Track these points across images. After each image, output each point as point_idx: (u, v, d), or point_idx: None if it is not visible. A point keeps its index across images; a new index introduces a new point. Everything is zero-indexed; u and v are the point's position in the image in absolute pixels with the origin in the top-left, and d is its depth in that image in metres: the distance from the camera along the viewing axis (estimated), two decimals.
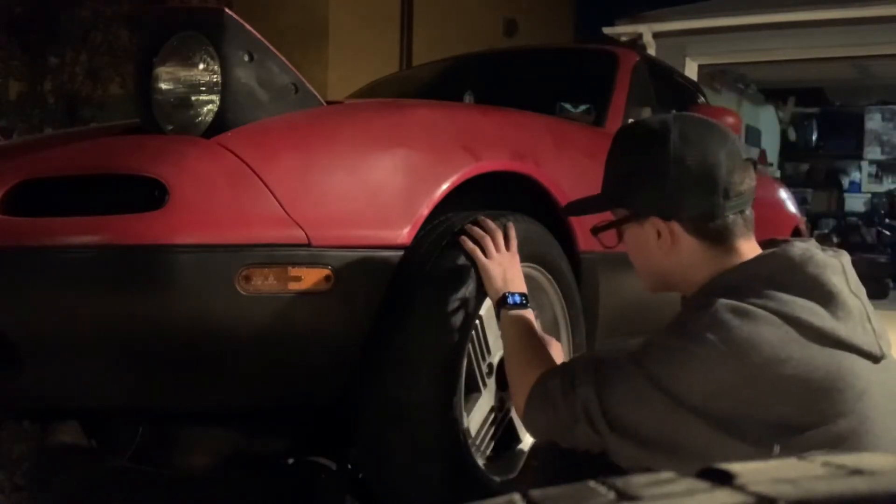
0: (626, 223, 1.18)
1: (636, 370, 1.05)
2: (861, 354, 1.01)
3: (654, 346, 1.06)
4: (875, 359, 1.02)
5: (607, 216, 1.24)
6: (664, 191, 1.10)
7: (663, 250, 1.14)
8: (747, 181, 1.11)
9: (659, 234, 1.13)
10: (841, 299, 1.02)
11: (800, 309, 1.00)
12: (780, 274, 1.04)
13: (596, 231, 1.25)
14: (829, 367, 0.98)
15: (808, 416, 0.98)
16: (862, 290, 1.07)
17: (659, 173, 1.10)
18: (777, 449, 0.97)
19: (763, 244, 1.14)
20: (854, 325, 1.02)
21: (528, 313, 1.36)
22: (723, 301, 1.01)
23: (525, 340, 1.30)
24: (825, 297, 1.01)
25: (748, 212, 1.12)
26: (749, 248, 1.12)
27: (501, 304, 1.36)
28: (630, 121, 2.40)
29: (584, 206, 1.28)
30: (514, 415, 1.66)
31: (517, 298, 1.36)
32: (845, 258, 1.09)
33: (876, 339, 1.04)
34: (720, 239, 1.10)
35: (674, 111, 1.22)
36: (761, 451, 0.97)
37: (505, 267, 1.40)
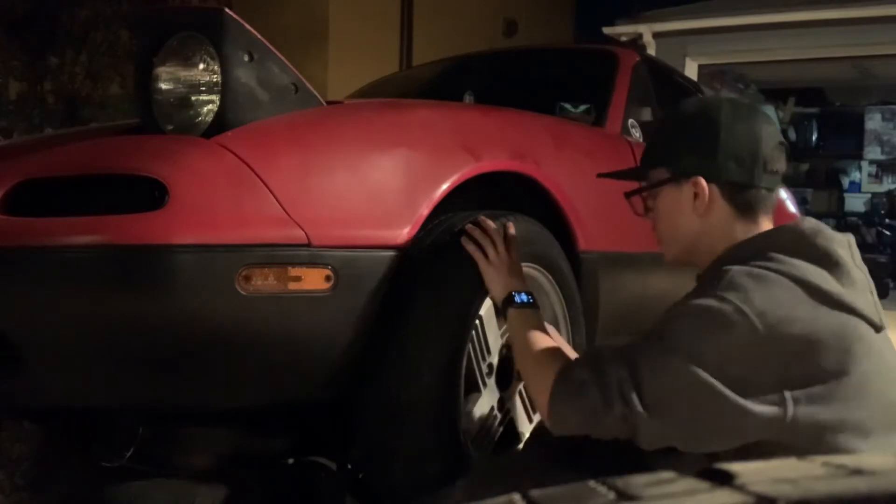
0: (665, 184, 1.24)
1: (658, 342, 1.07)
2: (864, 320, 1.06)
3: (673, 316, 1.09)
4: (876, 328, 1.08)
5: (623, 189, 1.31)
6: (713, 153, 1.18)
7: (697, 213, 1.21)
8: (781, 163, 1.20)
9: (696, 196, 1.20)
10: (846, 269, 1.09)
11: (810, 273, 1.06)
12: (791, 244, 1.11)
13: (629, 195, 1.32)
14: (834, 327, 1.03)
15: (814, 374, 1.02)
16: (864, 267, 1.14)
17: (711, 136, 1.18)
18: (790, 404, 1.00)
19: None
20: (858, 293, 1.08)
21: (536, 311, 1.37)
22: (737, 267, 1.07)
23: (538, 338, 1.30)
24: (832, 265, 1.08)
25: (775, 194, 1.21)
26: (767, 227, 1.20)
27: (508, 303, 1.36)
28: (630, 121, 2.41)
29: (624, 171, 1.35)
30: (514, 415, 1.66)
31: (524, 297, 1.37)
32: (851, 237, 1.17)
33: (877, 311, 1.10)
34: (749, 209, 1.19)
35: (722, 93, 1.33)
36: (777, 410, 1.00)
37: (508, 267, 1.41)
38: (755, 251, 1.12)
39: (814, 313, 1.03)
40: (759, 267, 1.07)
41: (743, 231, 1.19)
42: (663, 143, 1.28)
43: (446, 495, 1.37)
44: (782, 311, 1.02)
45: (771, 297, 1.03)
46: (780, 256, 1.08)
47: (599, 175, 1.41)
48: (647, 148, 1.32)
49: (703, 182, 1.19)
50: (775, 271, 1.06)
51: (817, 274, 1.06)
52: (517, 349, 1.35)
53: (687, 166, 1.21)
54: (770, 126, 1.20)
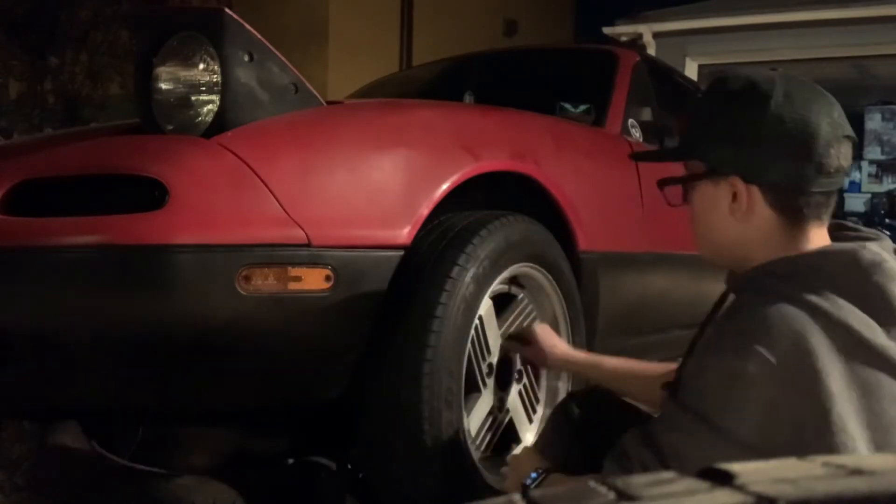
0: (700, 179, 1.06)
1: (683, 414, 0.96)
2: None
3: (700, 375, 0.98)
4: None
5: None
6: (754, 149, 0.99)
7: (735, 217, 1.03)
8: (843, 160, 1.00)
9: (734, 198, 1.02)
10: None
11: (853, 318, 0.93)
12: (841, 275, 0.96)
13: (663, 184, 1.13)
14: (868, 383, 0.92)
15: (835, 441, 0.90)
16: None
17: (752, 129, 0.99)
18: None
19: (832, 227, 1.06)
20: None
21: (553, 478, 1.19)
22: (773, 309, 0.94)
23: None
24: (884, 311, 0.94)
25: (834, 197, 1.02)
26: (819, 237, 1.02)
27: (526, 491, 1.21)
28: (630, 121, 2.41)
29: (656, 154, 1.19)
30: (513, 414, 1.67)
31: (533, 476, 1.20)
32: None
33: None
34: (797, 218, 1.00)
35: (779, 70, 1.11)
36: None
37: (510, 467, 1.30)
38: (798, 275, 0.97)
39: (848, 367, 0.91)
40: (799, 303, 0.93)
41: (788, 243, 1.01)
42: (700, 126, 1.07)
43: None
44: (819, 362, 0.90)
45: (809, 345, 0.91)
46: (824, 291, 0.94)
47: (631, 156, 1.28)
48: (685, 130, 1.12)
49: (740, 184, 1.01)
50: (814, 307, 0.93)
51: (861, 320, 0.92)
52: None
53: (723, 161, 1.02)
54: (833, 116, 1.00)
